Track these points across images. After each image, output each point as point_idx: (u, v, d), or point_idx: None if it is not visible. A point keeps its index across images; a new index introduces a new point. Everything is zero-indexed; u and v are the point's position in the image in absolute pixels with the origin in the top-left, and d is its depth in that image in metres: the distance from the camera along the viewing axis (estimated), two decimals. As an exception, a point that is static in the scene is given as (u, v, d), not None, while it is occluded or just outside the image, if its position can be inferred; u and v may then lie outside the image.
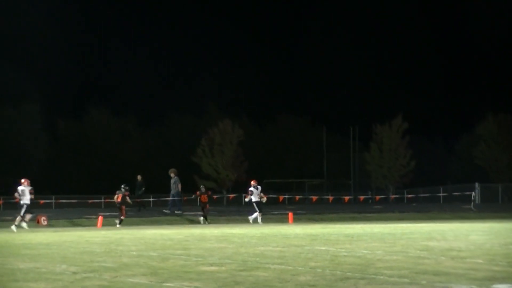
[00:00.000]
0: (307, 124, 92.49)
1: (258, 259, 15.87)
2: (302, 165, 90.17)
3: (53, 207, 50.56)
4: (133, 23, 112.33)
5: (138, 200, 43.39)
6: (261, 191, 38.33)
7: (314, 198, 55.86)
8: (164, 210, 42.51)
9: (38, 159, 76.93)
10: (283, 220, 38.27)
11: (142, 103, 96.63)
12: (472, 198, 52.86)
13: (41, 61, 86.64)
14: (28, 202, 33.02)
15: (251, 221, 37.26)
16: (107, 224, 35.36)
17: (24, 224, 32.81)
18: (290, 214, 39.16)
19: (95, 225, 34.96)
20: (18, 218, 32.69)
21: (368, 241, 21.35)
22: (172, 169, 42.71)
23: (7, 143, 77.04)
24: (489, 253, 17.10)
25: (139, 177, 44.14)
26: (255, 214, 37.41)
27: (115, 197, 36.35)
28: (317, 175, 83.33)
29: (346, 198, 54.86)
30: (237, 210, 45.73)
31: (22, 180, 33.50)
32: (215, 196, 55.58)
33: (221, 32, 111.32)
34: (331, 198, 54.98)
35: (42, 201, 49.76)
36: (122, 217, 35.61)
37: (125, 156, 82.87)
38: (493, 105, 78.57)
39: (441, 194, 60.81)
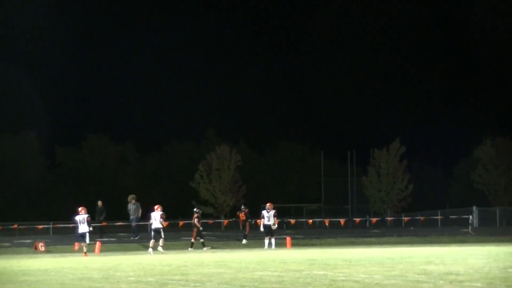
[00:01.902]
0: (305, 149, 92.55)
1: (256, 284, 15.87)
2: (301, 190, 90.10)
3: (51, 233, 50.46)
4: (130, 48, 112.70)
5: (99, 225, 43.24)
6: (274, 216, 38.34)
7: (310, 221, 55.80)
8: (131, 238, 42.42)
9: (36, 185, 76.87)
10: (281, 244, 38.23)
11: (140, 129, 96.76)
12: (470, 221, 52.82)
13: (39, 88, 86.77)
14: (88, 229, 33.45)
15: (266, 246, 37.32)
16: (105, 250, 35.32)
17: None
18: (288, 239, 39.07)
19: (93, 251, 34.89)
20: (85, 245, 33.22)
21: (367, 265, 21.33)
22: (132, 195, 43.11)
23: (5, 170, 77.05)
24: (487, 277, 17.11)
25: (99, 203, 43.98)
26: (266, 240, 37.52)
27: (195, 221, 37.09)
28: (315, 200, 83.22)
29: (343, 220, 54.76)
30: (235, 235, 45.65)
31: (80, 209, 33.85)
32: (210, 221, 55.81)
33: (219, 58, 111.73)
34: (327, 221, 54.88)
35: (40, 227, 49.74)
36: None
37: (123, 182, 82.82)
38: (491, 129, 78.69)
39: (438, 217, 60.79)
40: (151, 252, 33.61)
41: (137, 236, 41.95)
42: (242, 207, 42.76)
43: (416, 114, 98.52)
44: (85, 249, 33.04)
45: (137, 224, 42.50)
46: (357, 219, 60.25)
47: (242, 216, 41.50)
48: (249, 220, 41.50)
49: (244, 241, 39.66)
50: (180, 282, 16.68)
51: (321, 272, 19.02)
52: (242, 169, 72.23)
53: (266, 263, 23.29)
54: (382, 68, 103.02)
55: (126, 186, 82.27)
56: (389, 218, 66.07)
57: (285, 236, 40.70)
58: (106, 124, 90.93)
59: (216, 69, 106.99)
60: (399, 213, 70.36)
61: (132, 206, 42.31)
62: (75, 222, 34.02)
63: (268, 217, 37.83)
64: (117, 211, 57.08)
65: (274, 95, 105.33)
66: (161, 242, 34.65)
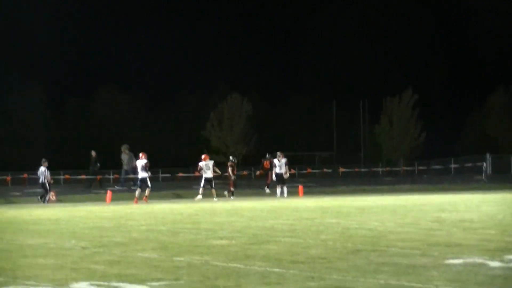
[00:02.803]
0: (316, 99, 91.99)
1: (268, 232, 15.86)
2: (312, 139, 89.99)
3: (62, 183, 50.63)
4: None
5: (94, 176, 43.03)
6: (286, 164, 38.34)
7: (325, 170, 55.80)
8: (116, 187, 42.26)
9: (46, 137, 77.01)
10: (293, 193, 38.28)
11: (150, 80, 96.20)
12: (484, 169, 52.73)
13: (48, 38, 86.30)
14: (148, 175, 34.51)
15: (278, 194, 37.34)
16: (116, 199, 35.40)
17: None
18: (300, 187, 39.14)
19: (104, 200, 34.98)
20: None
21: (379, 213, 21.33)
22: (125, 145, 42.53)
23: (14, 121, 77.25)
24: (501, 224, 17.05)
25: (93, 153, 43.42)
26: (279, 189, 37.52)
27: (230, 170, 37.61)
28: (327, 148, 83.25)
29: (356, 169, 54.76)
30: (247, 184, 45.77)
31: (140, 155, 34.76)
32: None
33: (230, 7, 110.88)
34: (341, 170, 54.91)
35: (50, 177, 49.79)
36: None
37: (134, 133, 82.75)
38: (504, 77, 78.11)
39: (452, 166, 60.68)
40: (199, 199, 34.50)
41: (123, 186, 41.50)
42: (268, 155, 42.40)
43: (429, 61, 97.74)
44: (147, 193, 33.77)
45: (126, 177, 41.77)
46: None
47: (266, 164, 41.32)
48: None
49: (267, 190, 39.64)
50: (192, 230, 16.67)
51: (334, 220, 19.01)
52: (254, 119, 72.20)
53: (278, 212, 23.32)
54: (393, 14, 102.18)
55: (137, 137, 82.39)
56: (402, 168, 66.01)
57: (297, 185, 40.77)
58: (116, 75, 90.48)
59: (228, 18, 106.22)
60: (412, 161, 70.29)
61: (125, 156, 41.61)
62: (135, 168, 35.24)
63: (280, 165, 37.81)
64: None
65: (285, 47, 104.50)
66: (146, 192, 34.14)
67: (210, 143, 69.30)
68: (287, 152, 42.66)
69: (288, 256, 11.79)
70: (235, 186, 37.91)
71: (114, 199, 35.04)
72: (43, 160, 36.21)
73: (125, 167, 41.43)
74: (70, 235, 16.08)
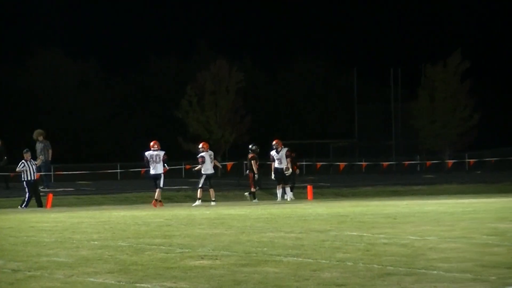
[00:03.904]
0: (330, 67, 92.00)
1: (265, 249, 15.91)
2: (325, 122, 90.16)
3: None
4: None
5: (5, 174, 42.94)
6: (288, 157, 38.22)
7: (342, 165, 55.80)
8: (41, 188, 42.17)
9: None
10: (300, 195, 38.35)
11: (107, 42, 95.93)
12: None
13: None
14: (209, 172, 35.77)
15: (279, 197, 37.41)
16: (58, 204, 35.39)
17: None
18: (309, 188, 39.17)
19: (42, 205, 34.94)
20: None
21: (417, 224, 21.39)
22: (39, 131, 42.48)
23: None
24: None
25: None
26: (279, 190, 37.55)
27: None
28: (345, 135, 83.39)
29: (385, 164, 54.86)
30: (237, 183, 45.80)
31: (152, 143, 35.33)
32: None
33: None
34: (364, 164, 54.98)
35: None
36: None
37: (85, 112, 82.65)
38: None
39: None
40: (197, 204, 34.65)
41: (48, 187, 41.40)
42: (252, 146, 41.48)
43: (483, 17, 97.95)
44: (158, 196, 34.29)
45: (42, 173, 41.63)
46: (406, 162, 60.36)
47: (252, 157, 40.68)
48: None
49: (250, 197, 39.08)
50: (162, 247, 16.72)
51: (354, 233, 19.09)
52: (246, 94, 72.12)
53: (279, 221, 23.37)
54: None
55: (88, 117, 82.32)
56: (448, 162, 66.12)
57: (305, 185, 40.78)
58: (60, 35, 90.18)
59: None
60: (461, 152, 70.38)
61: (39, 145, 41.71)
62: (145, 160, 35.29)
63: (280, 158, 37.51)
64: (76, 151, 57.04)
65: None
66: (157, 194, 34.74)
67: (186, 128, 69.19)
68: (290, 140, 42.68)
69: (293, 282, 11.82)
70: (259, 184, 37.97)
71: (56, 204, 35.05)
72: None
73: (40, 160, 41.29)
74: (-4, 254, 16.11)
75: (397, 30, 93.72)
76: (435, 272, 12.55)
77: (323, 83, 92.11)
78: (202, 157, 36.02)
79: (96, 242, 18.10)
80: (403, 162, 62.32)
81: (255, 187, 37.66)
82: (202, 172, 35.74)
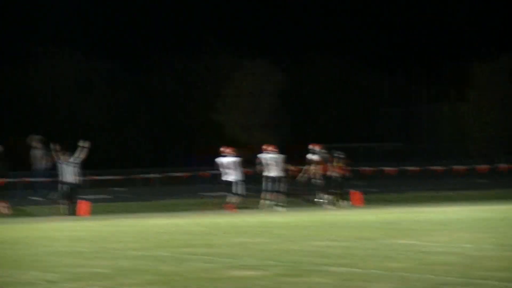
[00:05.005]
0: (361, 64, 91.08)
1: (313, 259, 15.90)
2: (369, 124, 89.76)
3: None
4: None
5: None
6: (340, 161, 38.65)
7: (392, 170, 55.59)
8: (47, 198, 42.06)
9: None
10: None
11: (117, 37, 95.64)
12: None
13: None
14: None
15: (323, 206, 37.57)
16: (96, 211, 35.53)
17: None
18: (357, 194, 39.04)
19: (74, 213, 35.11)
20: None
21: (472, 231, 21.34)
22: (36, 136, 42.36)
23: None
24: None
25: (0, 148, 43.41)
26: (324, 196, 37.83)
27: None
28: (391, 138, 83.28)
29: (438, 169, 54.73)
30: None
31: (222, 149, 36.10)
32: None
33: None
34: (418, 169, 54.84)
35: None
36: None
37: (88, 116, 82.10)
38: None
39: None
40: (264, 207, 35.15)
41: (40, 196, 41.40)
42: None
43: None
44: (235, 199, 35.17)
45: (37, 181, 41.62)
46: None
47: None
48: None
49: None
50: (205, 257, 16.73)
51: (406, 241, 19.09)
52: (285, 95, 72.19)
53: (326, 229, 23.45)
54: None
55: (92, 120, 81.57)
56: (501, 166, 65.72)
57: (349, 190, 40.61)
58: (64, 33, 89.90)
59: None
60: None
61: (38, 152, 41.58)
62: (218, 167, 36.06)
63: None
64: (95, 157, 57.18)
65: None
66: (235, 198, 35.52)
67: (223, 130, 69.24)
68: (332, 144, 42.32)
69: (343, 294, 11.83)
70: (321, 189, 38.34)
71: (94, 212, 35.19)
72: None
73: (37, 166, 41.41)
74: (30, 264, 16.17)
75: (441, 22, 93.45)
76: (492, 282, 12.49)
77: (354, 81, 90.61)
78: (261, 158, 36.80)
79: (134, 252, 18.15)
80: (452, 167, 62.07)
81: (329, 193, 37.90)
82: (266, 173, 36.22)
